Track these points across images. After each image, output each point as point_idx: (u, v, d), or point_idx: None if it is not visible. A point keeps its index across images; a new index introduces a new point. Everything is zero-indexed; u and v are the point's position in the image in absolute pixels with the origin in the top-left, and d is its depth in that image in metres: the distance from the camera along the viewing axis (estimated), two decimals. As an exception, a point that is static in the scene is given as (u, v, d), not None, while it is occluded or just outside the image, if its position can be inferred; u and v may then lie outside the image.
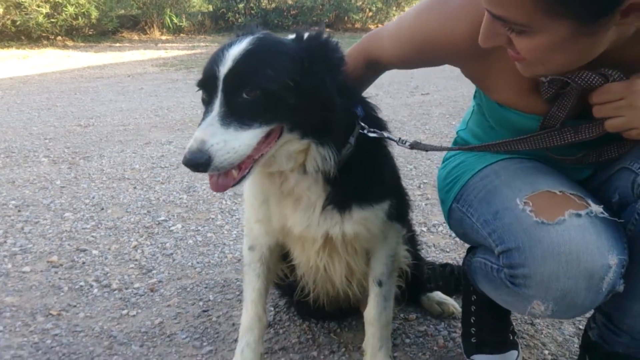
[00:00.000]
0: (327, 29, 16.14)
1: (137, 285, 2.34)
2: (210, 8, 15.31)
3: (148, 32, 14.82)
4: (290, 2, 16.31)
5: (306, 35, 1.40)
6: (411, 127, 5.34)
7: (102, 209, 3.26)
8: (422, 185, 3.63)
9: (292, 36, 1.43)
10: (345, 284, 1.74)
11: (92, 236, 2.86)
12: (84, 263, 2.54)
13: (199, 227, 2.96)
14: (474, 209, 1.51)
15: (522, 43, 1.15)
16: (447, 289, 2.20)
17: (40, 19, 12.32)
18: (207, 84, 1.32)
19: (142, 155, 4.39)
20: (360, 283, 1.77)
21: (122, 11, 14.39)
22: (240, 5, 15.71)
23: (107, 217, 3.12)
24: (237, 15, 15.64)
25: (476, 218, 1.48)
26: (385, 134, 1.52)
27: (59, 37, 13.18)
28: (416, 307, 2.16)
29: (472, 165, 1.61)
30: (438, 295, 2.15)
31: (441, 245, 2.75)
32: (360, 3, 16.77)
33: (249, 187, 1.65)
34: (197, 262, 2.57)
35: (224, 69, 1.28)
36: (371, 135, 1.48)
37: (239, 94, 1.27)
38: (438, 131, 5.18)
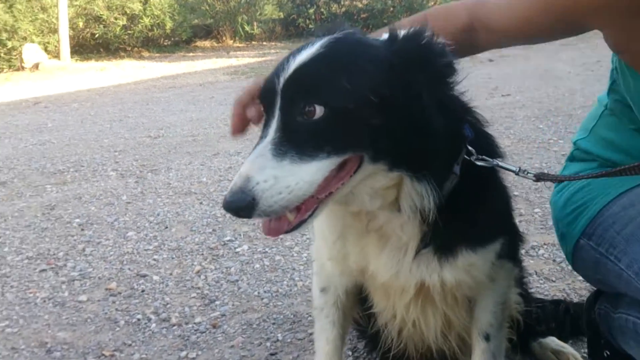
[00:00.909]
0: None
1: (198, 319, 2.09)
2: (282, 15, 15.32)
3: (221, 40, 15.07)
4: (360, 5, 16.01)
5: (402, 34, 1.06)
6: (493, 132, 4.76)
7: (167, 227, 3.07)
8: (512, 198, 3.18)
9: (385, 35, 1.10)
10: (441, 338, 1.40)
11: (154, 259, 2.65)
12: (143, 291, 2.33)
13: (267, 249, 2.69)
14: (619, 250, 1.18)
15: None
16: (562, 333, 1.83)
17: (118, 31, 12.82)
18: (266, 98, 1.03)
19: (210, 167, 4.22)
20: (459, 337, 1.43)
21: (196, 21, 14.73)
22: (311, 11, 15.66)
23: (171, 237, 2.92)
24: (307, 21, 15.59)
25: (626, 264, 1.15)
26: (500, 162, 1.18)
27: (136, 49, 13.66)
28: (524, 355, 1.77)
29: (605, 188, 1.29)
30: (553, 341, 1.78)
31: (545, 273, 2.35)
32: (432, 3, 16.15)
33: (321, 217, 1.34)
34: (264, 291, 2.29)
35: (283, 79, 0.98)
36: (479, 164, 1.15)
37: (299, 113, 0.96)
38: (524, 136, 4.66)
